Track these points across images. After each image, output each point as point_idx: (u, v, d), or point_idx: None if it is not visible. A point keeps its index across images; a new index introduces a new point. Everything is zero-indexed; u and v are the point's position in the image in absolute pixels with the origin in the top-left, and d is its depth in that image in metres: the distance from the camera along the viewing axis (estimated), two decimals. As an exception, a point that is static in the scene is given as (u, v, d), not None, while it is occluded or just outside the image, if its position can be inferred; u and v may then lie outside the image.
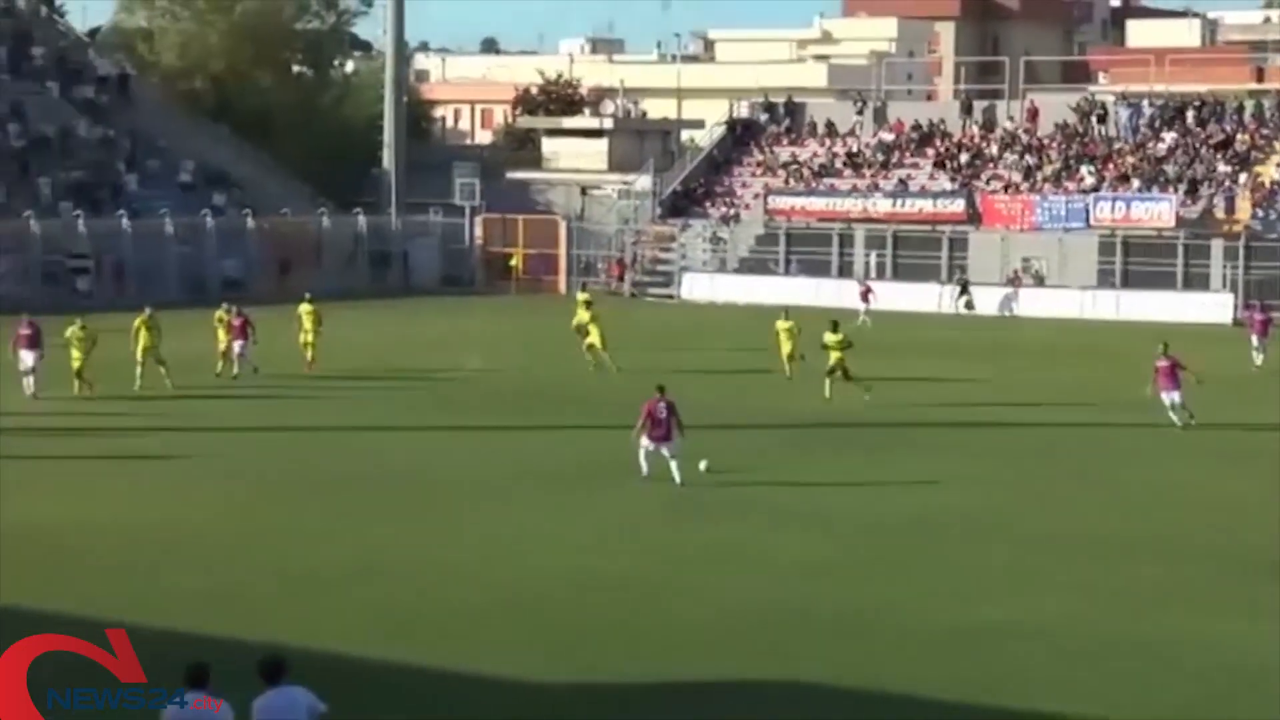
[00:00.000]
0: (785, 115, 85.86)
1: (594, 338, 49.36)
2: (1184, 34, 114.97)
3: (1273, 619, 23.27)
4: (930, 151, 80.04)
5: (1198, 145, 74.81)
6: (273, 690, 14.77)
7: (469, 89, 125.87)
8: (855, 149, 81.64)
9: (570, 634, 22.68)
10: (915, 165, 79.60)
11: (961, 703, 20.08)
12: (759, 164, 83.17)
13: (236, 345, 46.34)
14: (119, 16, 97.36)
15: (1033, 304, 70.44)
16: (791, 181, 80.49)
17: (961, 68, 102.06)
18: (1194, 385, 39.50)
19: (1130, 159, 75.03)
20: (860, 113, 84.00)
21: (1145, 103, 78.34)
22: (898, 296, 70.70)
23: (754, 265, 77.50)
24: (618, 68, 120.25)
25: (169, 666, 15.62)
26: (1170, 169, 73.69)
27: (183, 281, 70.65)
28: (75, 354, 42.59)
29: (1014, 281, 72.17)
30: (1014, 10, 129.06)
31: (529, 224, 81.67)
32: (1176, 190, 72.00)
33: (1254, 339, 52.31)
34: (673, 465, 31.64)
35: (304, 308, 48.60)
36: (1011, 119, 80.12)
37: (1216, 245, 69.68)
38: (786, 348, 46.89)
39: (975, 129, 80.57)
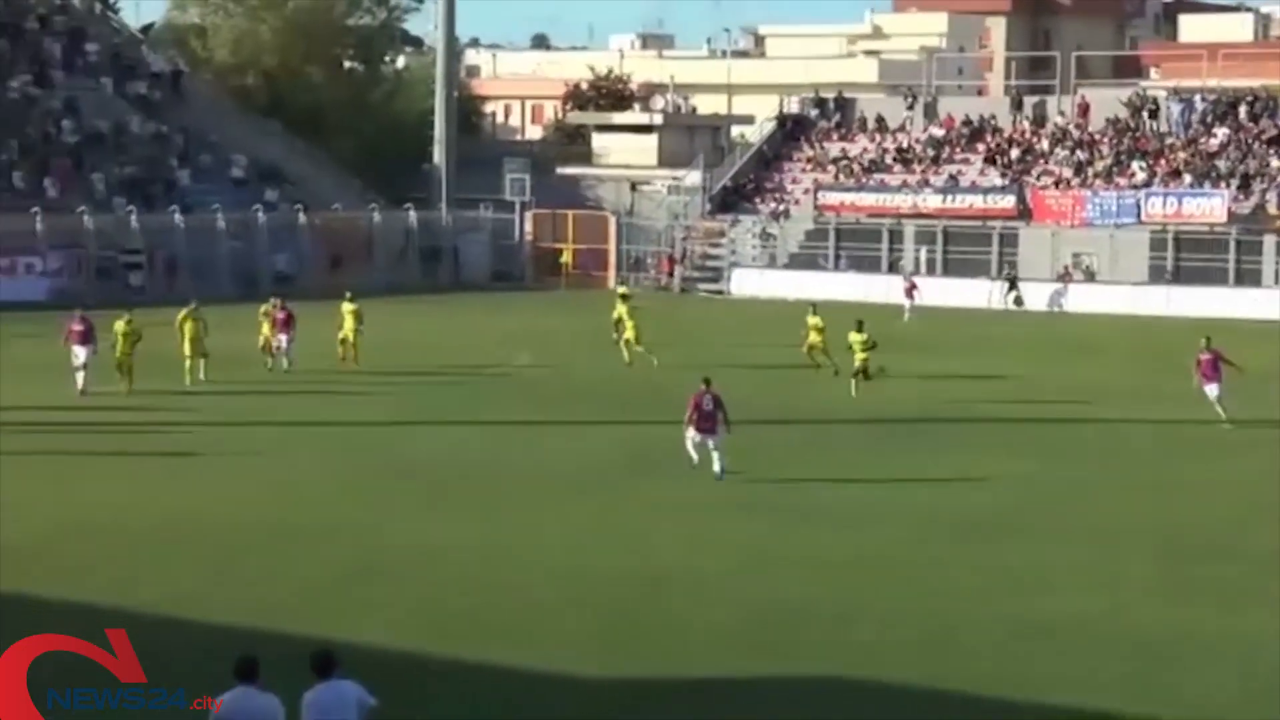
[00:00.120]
0: (835, 110, 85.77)
1: (629, 333, 49.49)
2: (1237, 29, 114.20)
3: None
4: (981, 147, 79.84)
5: (1250, 141, 74.46)
6: (323, 684, 14.81)
7: (519, 85, 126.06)
8: (905, 144, 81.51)
9: (617, 630, 22.72)
10: (966, 161, 79.41)
11: (1017, 700, 20.03)
12: (809, 159, 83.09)
13: (283, 339, 46.57)
14: (172, 13, 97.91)
15: (1083, 300, 70.24)
16: (841, 177, 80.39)
17: (1012, 63, 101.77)
18: (1238, 379, 39.35)
19: (1182, 154, 74.71)
20: (911, 108, 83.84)
21: (1197, 98, 77.95)
22: (947, 292, 70.66)
23: (803, 261, 77.44)
24: (668, 63, 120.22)
25: (219, 659, 15.76)
26: (1222, 164, 73.38)
27: (234, 277, 71.00)
28: (121, 348, 42.78)
29: (1064, 277, 72.00)
30: (1065, 5, 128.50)
31: (579, 219, 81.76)
32: (1228, 186, 71.70)
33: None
34: (714, 458, 31.70)
35: (346, 306, 48.71)
36: (1063, 114, 79.87)
37: (1269, 241, 69.37)
38: (813, 342, 46.94)
39: (1026, 124, 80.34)
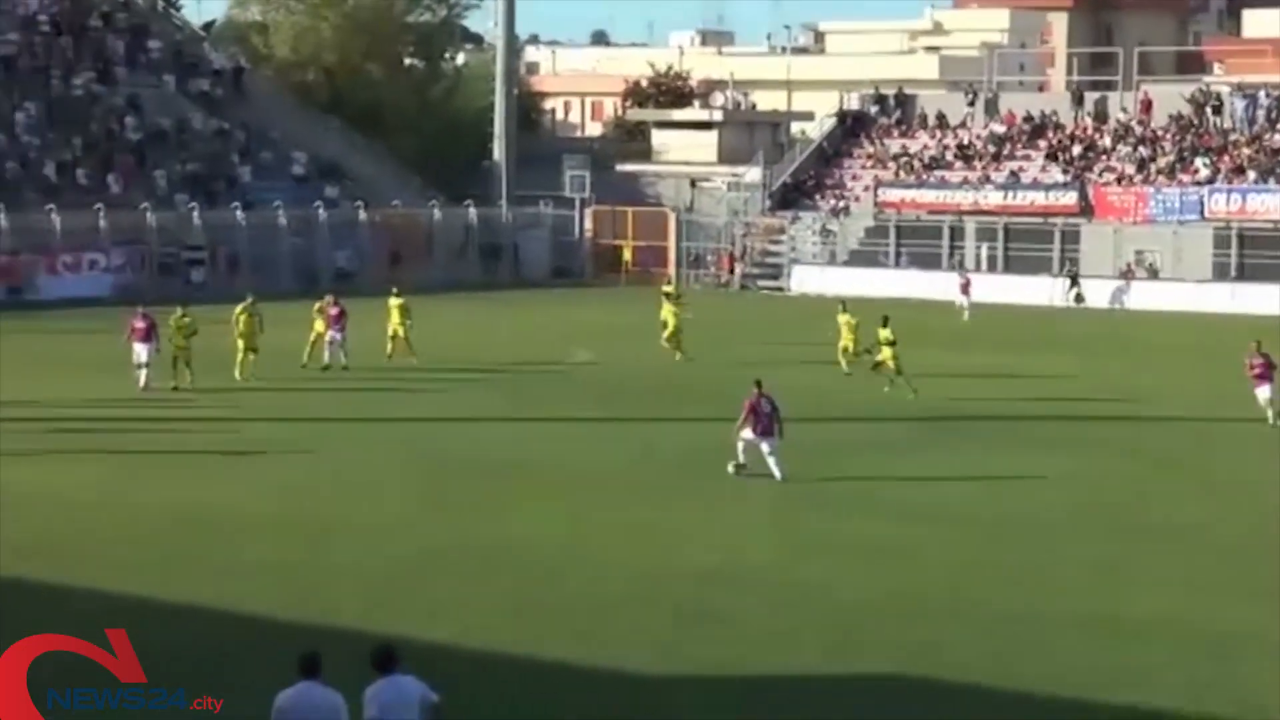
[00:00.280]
0: (896, 107, 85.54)
1: (669, 329, 49.56)
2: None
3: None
4: (1042, 143, 79.51)
5: (1315, 137, 73.97)
6: (384, 679, 14.80)
7: (579, 81, 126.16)
8: (966, 141, 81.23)
9: (679, 627, 22.68)
10: (1027, 157, 79.09)
11: (1083, 699, 19.91)
12: (869, 156, 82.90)
13: (336, 335, 46.64)
14: (233, 10, 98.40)
15: (1145, 297, 69.86)
16: (902, 174, 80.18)
17: (1074, 58, 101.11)
18: None
19: (1246, 150, 74.22)
20: (971, 104, 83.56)
21: (1262, 93, 77.44)
22: (1008, 289, 70.41)
23: (864, 258, 77.28)
24: (728, 60, 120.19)
25: (282, 654, 15.78)
26: (1286, 161, 72.90)
27: (295, 273, 71.23)
28: (178, 343, 42.92)
29: (1127, 274, 71.63)
30: (1128, 0, 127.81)
31: (639, 216, 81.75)
32: (1293, 182, 71.24)
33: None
34: (771, 461, 31.60)
35: (393, 301, 48.74)
36: (1125, 110, 79.44)
37: (1334, 238, 68.88)
38: (845, 341, 46.74)
39: (1088, 120, 79.96)
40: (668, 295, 51.51)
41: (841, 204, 79.58)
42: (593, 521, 28.96)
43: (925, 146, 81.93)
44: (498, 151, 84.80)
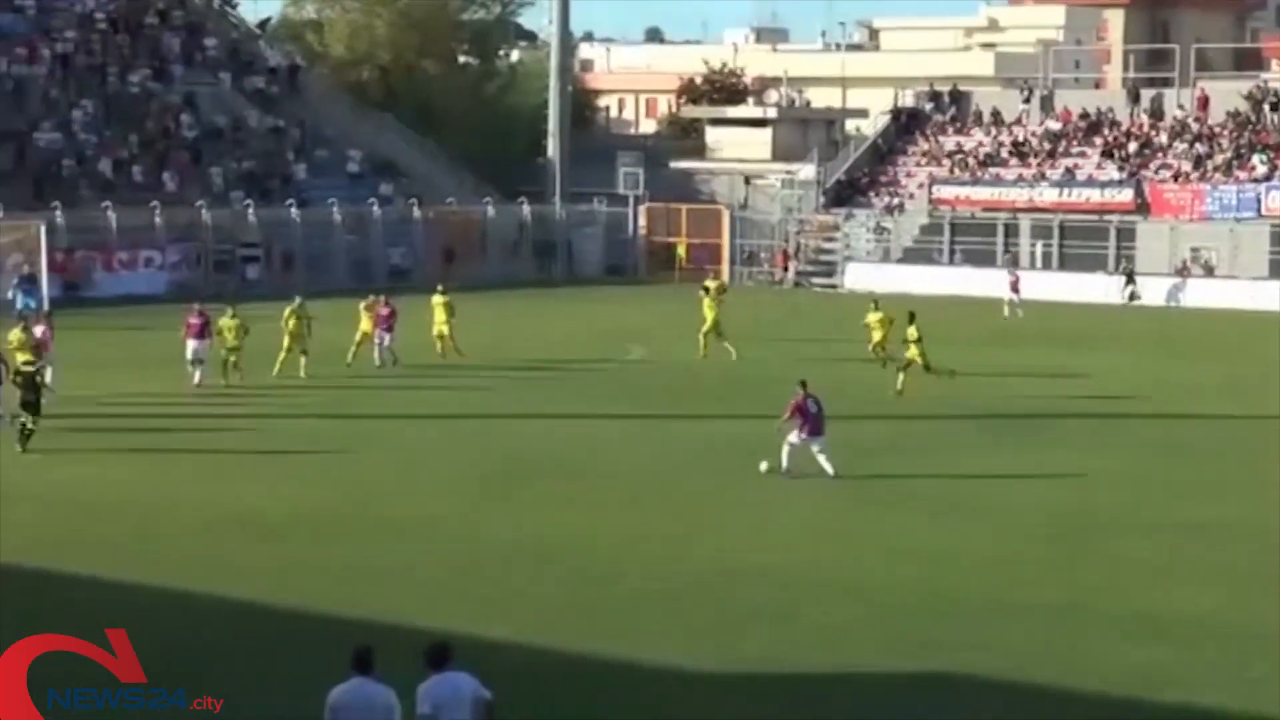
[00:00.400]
0: (950, 104, 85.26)
1: (708, 324, 49.51)
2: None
3: None
4: (1098, 140, 79.14)
5: (1373, 134, 73.44)
6: (437, 676, 14.84)
7: (633, 78, 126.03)
8: (1021, 138, 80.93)
9: (729, 624, 22.70)
10: (1083, 154, 78.75)
11: (1140, 698, 19.87)
12: (924, 153, 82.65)
13: (385, 336, 46.68)
14: (288, 8, 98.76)
15: (1201, 295, 69.48)
16: (956, 171, 79.93)
17: (1130, 55, 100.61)
18: None
19: (1303, 148, 73.78)
20: (1027, 101, 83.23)
21: (1320, 90, 77.00)
22: (1063, 287, 70.16)
23: (918, 255, 77.08)
24: (782, 57, 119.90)
25: (337, 649, 15.83)
26: (1345, 158, 72.41)
27: (350, 270, 71.41)
28: (229, 341, 43.12)
29: (1183, 272, 71.27)
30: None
31: (692, 213, 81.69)
32: (1351, 180, 70.75)
33: None
34: (822, 459, 31.55)
35: (436, 299, 48.79)
36: (1182, 107, 78.99)
37: (1392, 235, 68.39)
38: (876, 338, 46.54)
39: (1144, 117, 79.54)
40: (706, 290, 51.52)
41: (896, 201, 79.38)
42: (645, 519, 28.96)
43: (980, 144, 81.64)
44: (552, 149, 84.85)
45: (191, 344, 42.90)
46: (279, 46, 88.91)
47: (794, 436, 31.78)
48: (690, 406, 41.18)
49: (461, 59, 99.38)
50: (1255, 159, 73.76)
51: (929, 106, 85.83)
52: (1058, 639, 22.07)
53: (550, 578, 24.92)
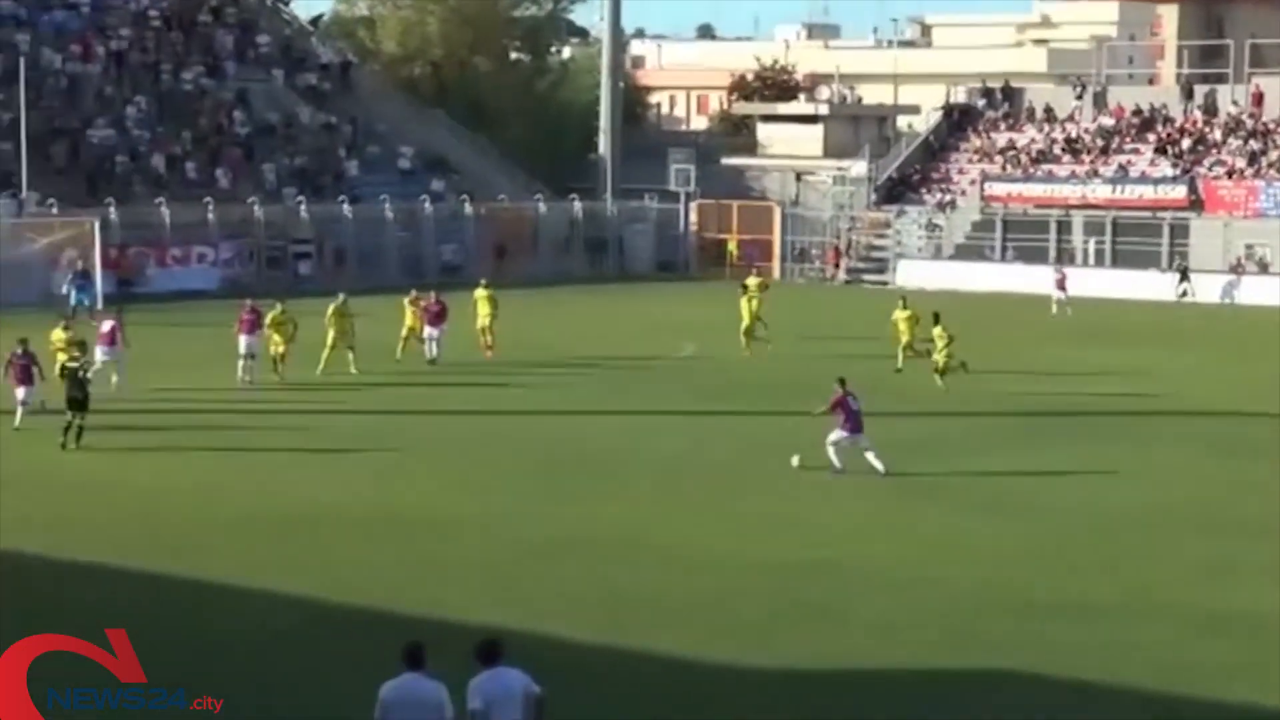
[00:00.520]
0: (1003, 100, 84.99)
1: (744, 322, 49.44)
2: None
3: None
4: (1151, 137, 78.75)
5: None
6: (488, 672, 14.85)
7: (685, 75, 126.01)
8: (1074, 134, 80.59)
9: (783, 620, 22.67)
10: (1136, 151, 78.39)
11: (1205, 697, 19.77)
12: (976, 150, 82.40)
13: (434, 331, 46.66)
14: (341, 5, 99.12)
15: (1256, 292, 69.09)
16: (1009, 167, 79.65)
17: (1184, 51, 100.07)
18: None
19: (1359, 144, 73.30)
20: (1080, 98, 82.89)
21: (1375, 86, 76.45)
22: (1116, 284, 69.86)
23: (970, 252, 76.84)
24: (833, 53, 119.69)
25: (384, 645, 15.83)
26: (1401, 154, 71.90)
27: (402, 266, 71.47)
28: (276, 338, 43.21)
29: (1237, 269, 70.87)
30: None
31: (744, 210, 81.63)
32: (1407, 176, 70.25)
33: None
34: (870, 456, 31.49)
35: (479, 293, 48.79)
36: (1236, 103, 78.53)
37: None
38: (904, 338, 46.28)
39: (1198, 114, 79.11)
40: (745, 288, 51.47)
41: (948, 198, 79.14)
42: (695, 514, 28.93)
43: (1033, 140, 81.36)
44: (603, 145, 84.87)
45: (243, 339, 43.06)
46: (331, 43, 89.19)
47: (835, 434, 31.70)
48: (743, 402, 41.12)
49: (513, 55, 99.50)
50: (1311, 155, 73.34)
51: (981, 103, 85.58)
52: (1117, 635, 21.95)
53: (601, 573, 24.91)
